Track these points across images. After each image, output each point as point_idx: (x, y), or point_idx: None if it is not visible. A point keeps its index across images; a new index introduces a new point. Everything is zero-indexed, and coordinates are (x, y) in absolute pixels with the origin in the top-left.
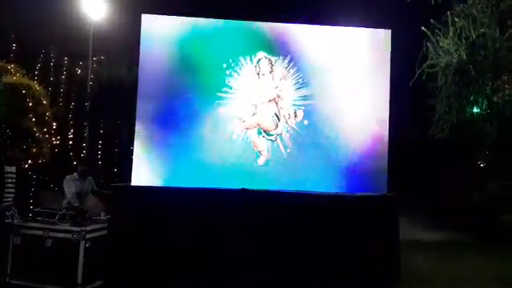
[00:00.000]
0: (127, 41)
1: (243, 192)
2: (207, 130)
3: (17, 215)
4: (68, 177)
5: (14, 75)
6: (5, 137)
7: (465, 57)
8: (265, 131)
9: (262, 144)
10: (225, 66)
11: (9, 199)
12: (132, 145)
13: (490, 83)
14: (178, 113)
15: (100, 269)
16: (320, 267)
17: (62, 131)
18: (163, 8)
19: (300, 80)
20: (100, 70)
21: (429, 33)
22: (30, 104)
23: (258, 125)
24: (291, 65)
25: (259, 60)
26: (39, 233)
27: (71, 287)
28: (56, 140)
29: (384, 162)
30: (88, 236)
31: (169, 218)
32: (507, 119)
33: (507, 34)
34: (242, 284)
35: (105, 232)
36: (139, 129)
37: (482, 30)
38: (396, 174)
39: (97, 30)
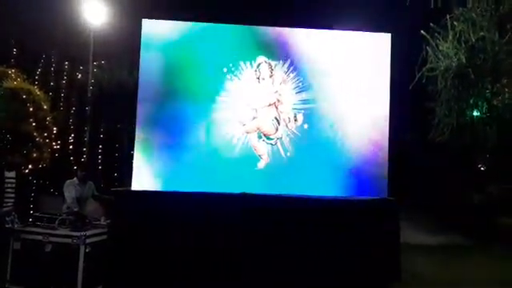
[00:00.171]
0: (127, 45)
1: (243, 196)
2: (207, 134)
3: (17, 220)
4: (68, 182)
5: (15, 80)
6: (5, 142)
7: (464, 60)
8: (265, 135)
9: (262, 148)
10: (225, 70)
11: (9, 204)
12: (132, 149)
13: (489, 87)
14: (179, 117)
15: (100, 274)
16: (321, 271)
17: (62, 136)
18: (163, 12)
19: (300, 84)
20: (100, 75)
21: (428, 36)
22: (31, 109)
23: (258, 129)
24: (291, 69)
25: (259, 64)
26: (39, 238)
27: None
28: (56, 145)
29: (384, 166)
30: (88, 241)
31: (169, 223)
32: (507, 122)
33: (506, 38)
34: None
35: (105, 237)
36: (139, 133)
37: (482, 33)
38: (396, 178)
39: (97, 34)
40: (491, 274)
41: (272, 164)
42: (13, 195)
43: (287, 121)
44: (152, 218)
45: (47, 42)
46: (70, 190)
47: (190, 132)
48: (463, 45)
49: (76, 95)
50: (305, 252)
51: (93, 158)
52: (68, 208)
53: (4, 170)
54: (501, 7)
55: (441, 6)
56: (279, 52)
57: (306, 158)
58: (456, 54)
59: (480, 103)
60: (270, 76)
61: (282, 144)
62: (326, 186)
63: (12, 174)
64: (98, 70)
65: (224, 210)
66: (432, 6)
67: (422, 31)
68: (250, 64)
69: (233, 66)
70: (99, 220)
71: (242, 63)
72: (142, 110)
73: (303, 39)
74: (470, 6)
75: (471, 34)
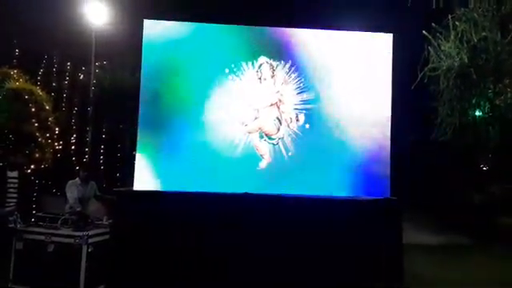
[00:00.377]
0: (129, 46)
1: (246, 196)
2: (209, 134)
3: (19, 220)
4: (70, 182)
5: (17, 81)
6: (7, 142)
7: (466, 60)
8: (266, 135)
9: (264, 148)
10: (227, 70)
11: (11, 204)
12: (134, 149)
13: (491, 86)
14: (180, 117)
15: (102, 273)
16: (323, 270)
17: (64, 136)
18: (165, 13)
19: (301, 84)
20: (102, 75)
21: (430, 36)
22: (33, 109)
23: (260, 129)
24: (292, 69)
25: (261, 65)
26: (41, 238)
27: None
28: (58, 145)
29: (386, 166)
30: (90, 241)
31: (171, 223)
32: (509, 122)
33: (508, 38)
34: None
35: (107, 237)
36: (141, 133)
37: (484, 33)
38: (398, 178)
39: (99, 35)
40: (492, 275)
41: (273, 164)
42: (15, 195)
43: (289, 121)
44: (154, 218)
45: (49, 43)
46: (73, 190)
47: (192, 132)
48: (465, 45)
49: (78, 96)
50: (306, 252)
51: (95, 158)
52: (70, 208)
53: (6, 170)
54: (503, 7)
55: (442, 6)
56: (281, 52)
57: (307, 157)
58: (458, 54)
59: (482, 103)
60: (272, 76)
61: (283, 144)
62: (328, 185)
63: (14, 174)
64: (99, 70)
65: (226, 210)
66: (434, 6)
67: (423, 31)
68: (252, 64)
69: (234, 66)
70: (101, 220)
71: (243, 64)
72: (143, 110)
73: (305, 40)
74: (471, 6)
75: (473, 34)
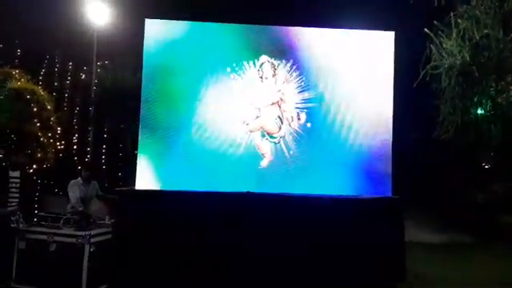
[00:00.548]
0: (131, 45)
1: (248, 195)
2: (211, 133)
3: (21, 220)
4: (72, 181)
5: (19, 80)
6: (9, 142)
7: (468, 58)
8: (268, 134)
9: (266, 146)
10: (228, 69)
11: (13, 204)
12: (136, 149)
13: (493, 84)
14: (182, 116)
15: (104, 273)
16: (325, 269)
17: (66, 136)
18: (166, 12)
19: (303, 83)
20: (104, 75)
21: (432, 34)
22: (35, 109)
23: (262, 127)
24: (294, 68)
25: (262, 64)
26: (44, 237)
27: None
28: (60, 145)
29: (388, 164)
30: (92, 240)
31: (173, 222)
32: (511, 120)
33: (511, 36)
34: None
35: (109, 236)
36: (143, 133)
37: (486, 31)
38: (400, 176)
39: (101, 34)
40: (494, 273)
41: (275, 162)
42: (17, 195)
43: (290, 120)
44: (156, 218)
45: (51, 43)
46: (75, 189)
47: (193, 131)
48: (467, 42)
49: (80, 95)
50: (309, 250)
51: (97, 157)
52: (72, 208)
53: (9, 170)
54: (505, 5)
55: (444, 4)
56: (282, 51)
57: (309, 156)
58: (460, 52)
59: (484, 101)
60: (273, 75)
61: (285, 143)
62: (329, 184)
63: (16, 173)
64: (101, 70)
65: (228, 209)
66: (436, 4)
67: (425, 29)
68: (253, 63)
69: (236, 65)
70: (103, 219)
71: (245, 63)
72: (145, 110)
73: (306, 38)
74: (473, 3)
75: (475, 32)
